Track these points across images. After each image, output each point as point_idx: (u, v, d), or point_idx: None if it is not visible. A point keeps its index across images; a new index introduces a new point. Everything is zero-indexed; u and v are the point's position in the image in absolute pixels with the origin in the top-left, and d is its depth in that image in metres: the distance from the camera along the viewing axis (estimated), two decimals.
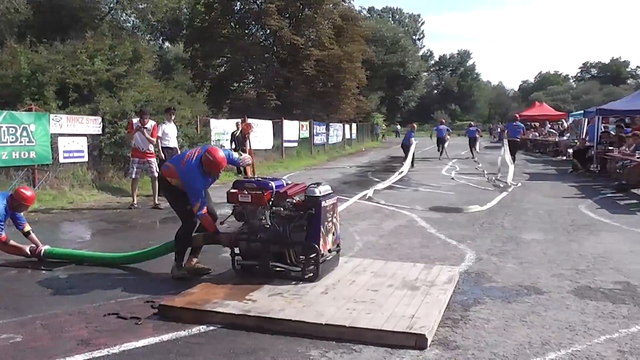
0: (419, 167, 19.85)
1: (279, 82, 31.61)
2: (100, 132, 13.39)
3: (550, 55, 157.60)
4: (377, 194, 12.28)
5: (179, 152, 12.26)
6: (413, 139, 19.87)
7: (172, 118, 11.98)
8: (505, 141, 20.81)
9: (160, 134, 11.21)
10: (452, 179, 15.91)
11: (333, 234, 5.56)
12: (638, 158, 12.38)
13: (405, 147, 19.79)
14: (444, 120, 30.01)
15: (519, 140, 21.55)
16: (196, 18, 32.55)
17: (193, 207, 5.46)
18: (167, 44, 42.21)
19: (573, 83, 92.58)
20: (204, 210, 5.48)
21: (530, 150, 29.79)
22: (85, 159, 12.84)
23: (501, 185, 13.96)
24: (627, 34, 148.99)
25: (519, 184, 14.09)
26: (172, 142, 11.73)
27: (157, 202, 10.68)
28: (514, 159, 18.80)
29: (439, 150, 25.38)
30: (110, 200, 11.77)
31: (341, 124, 35.20)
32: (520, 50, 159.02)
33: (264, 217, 5.42)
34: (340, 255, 5.91)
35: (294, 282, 5.16)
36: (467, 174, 17.16)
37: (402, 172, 16.29)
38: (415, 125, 22.85)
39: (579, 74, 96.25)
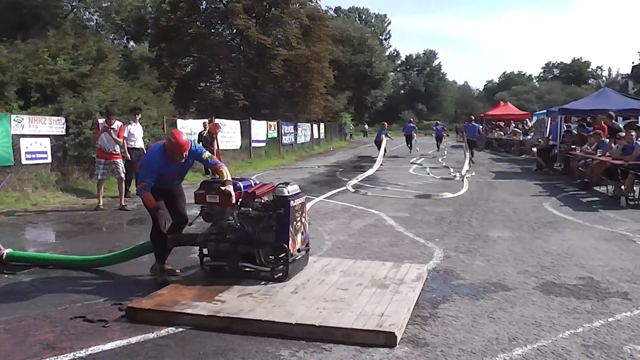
0: (388, 167, 19.97)
1: (247, 82, 31.44)
2: (64, 133, 13.14)
3: (514, 55, 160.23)
4: (345, 194, 12.30)
5: (145, 152, 12.17)
6: (384, 135, 22.06)
7: (138, 118, 11.84)
8: (465, 140, 22.61)
9: (126, 135, 11.06)
10: (428, 173, 16.21)
11: (302, 234, 5.56)
12: (599, 156, 12.61)
13: (378, 142, 21.97)
14: (412, 119, 32.92)
15: (475, 139, 23.69)
16: (162, 17, 32.14)
17: (138, 184, 5.40)
18: (132, 43, 41.67)
19: (536, 83, 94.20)
20: (148, 192, 5.31)
21: (495, 150, 30.27)
22: (49, 160, 12.58)
23: (461, 175, 15.74)
24: (587, 34, 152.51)
25: (474, 173, 16.39)
26: (139, 142, 11.59)
27: (123, 203, 10.55)
28: (472, 154, 21.36)
29: (408, 146, 28.39)
30: (75, 202, 11.54)
31: (309, 124, 35.26)
32: (485, 50, 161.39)
33: (232, 218, 5.40)
34: (310, 255, 5.92)
35: (263, 282, 5.14)
36: (435, 169, 17.43)
37: (381, 164, 18.95)
38: (385, 124, 24.75)
39: (542, 74, 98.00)
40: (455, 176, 15.96)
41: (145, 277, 5.74)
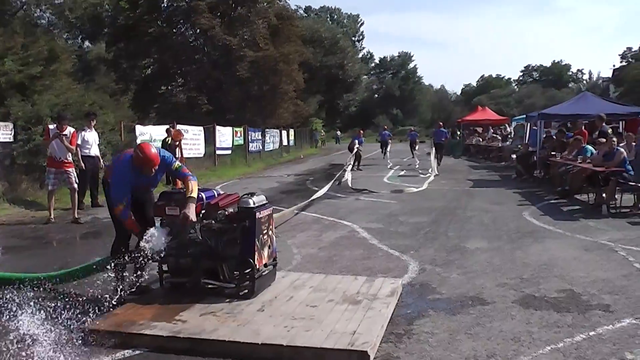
0: (360, 174, 20.07)
1: (211, 85, 31.33)
2: (11, 140, 12.89)
3: (492, 58, 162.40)
4: (316, 204, 12.32)
5: (101, 161, 12.06)
6: (357, 140, 22.64)
7: (93, 124, 11.74)
8: (433, 145, 24.57)
9: (79, 142, 10.95)
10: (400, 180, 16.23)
11: (269, 247, 5.54)
12: (580, 163, 12.76)
13: (351, 148, 22.50)
14: (386, 127, 35.17)
15: (443, 142, 25.55)
16: (120, 15, 31.85)
17: (115, 207, 5.34)
18: (87, 43, 41.09)
19: (515, 87, 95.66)
20: (129, 215, 5.31)
21: (473, 156, 30.64)
22: None
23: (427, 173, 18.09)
24: (568, 37, 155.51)
25: (437, 173, 18.94)
26: (93, 150, 11.48)
27: (76, 216, 10.39)
28: (440, 157, 23.89)
29: (382, 153, 29.53)
30: (24, 214, 11.32)
31: (278, 130, 35.29)
32: (462, 53, 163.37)
33: (194, 231, 5.35)
34: (278, 270, 5.90)
35: (227, 300, 5.10)
36: (410, 176, 17.54)
37: (359, 169, 20.74)
38: (362, 132, 25.91)
39: (521, 77, 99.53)
40: (422, 173, 18.37)
41: (100, 295, 5.59)
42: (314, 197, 12.45)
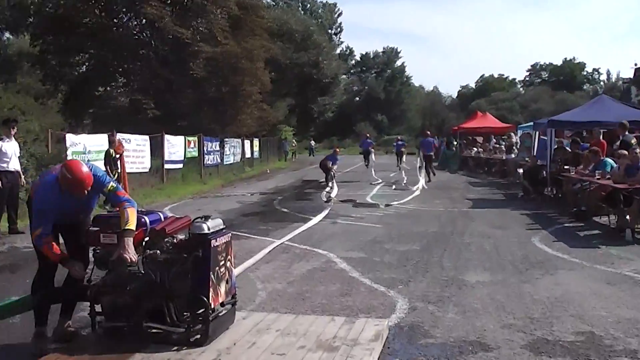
0: (339, 192, 19.95)
1: (159, 86, 31.03)
2: None
3: (493, 55, 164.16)
4: (283, 228, 12.23)
5: (22, 176, 11.85)
6: (331, 161, 22.42)
7: (13, 132, 11.55)
8: (420, 155, 26.50)
9: None
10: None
11: (227, 282, 5.46)
12: (598, 179, 12.70)
13: (324, 166, 22.39)
14: (369, 134, 36.85)
15: (432, 154, 26.71)
16: (48, 3, 31.57)
17: (33, 231, 5.23)
18: (7, 34, 40.75)
19: (521, 89, 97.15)
20: (47, 240, 5.17)
21: (472, 171, 30.80)
22: None
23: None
24: (582, 31, 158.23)
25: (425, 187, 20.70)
26: (13, 164, 11.29)
27: None
28: (431, 169, 25.09)
29: (365, 164, 31.05)
30: None
31: (240, 140, 35.22)
32: (458, 49, 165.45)
33: (135, 263, 5.23)
34: (237, 310, 5.84)
35: (175, 348, 5.00)
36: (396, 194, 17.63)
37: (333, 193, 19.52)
38: (338, 150, 25.27)
39: (527, 78, 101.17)
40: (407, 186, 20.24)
41: (17, 344, 5.49)
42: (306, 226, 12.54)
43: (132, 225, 5.14)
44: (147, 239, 5.34)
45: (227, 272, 5.48)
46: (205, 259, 5.15)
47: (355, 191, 21.04)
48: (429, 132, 29.62)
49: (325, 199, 17.58)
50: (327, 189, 19.98)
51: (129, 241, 5.08)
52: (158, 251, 5.28)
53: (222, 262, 5.39)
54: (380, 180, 25.14)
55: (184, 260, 5.21)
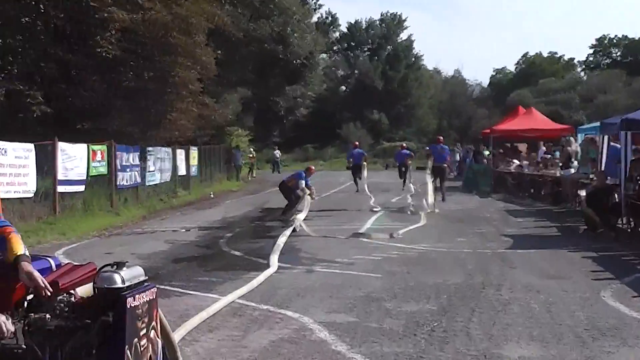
0: (322, 223, 17.16)
1: (51, 71, 25.61)
2: None
3: (541, 26, 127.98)
4: (236, 279, 10.07)
5: None
6: (302, 181, 18.28)
7: None
8: (431, 168, 23.08)
9: None
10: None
11: None
12: None
13: (286, 189, 18.70)
14: (357, 143, 32.87)
15: (445, 165, 24.06)
16: None
17: None
18: None
19: (582, 73, 79.48)
20: None
21: (511, 193, 26.34)
22: None
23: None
24: None
25: (437, 210, 19.16)
26: None
27: None
28: (442, 187, 22.80)
29: (355, 183, 27.84)
30: None
31: (170, 150, 29.36)
32: (488, 16, 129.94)
33: (9, 333, 3.98)
34: None
35: None
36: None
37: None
38: (313, 168, 20.98)
39: (590, 58, 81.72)
40: (411, 211, 18.87)
41: None
42: None
43: (24, 249, 4.18)
44: (30, 297, 4.26)
45: (150, 346, 4.39)
46: (119, 327, 4.10)
47: (341, 223, 17.74)
48: (441, 138, 25.54)
49: (292, 229, 14.94)
50: (297, 215, 16.37)
51: (29, 266, 4.04)
52: (47, 315, 4.12)
53: (144, 330, 4.32)
54: (378, 207, 21.53)
55: (87, 329, 4.10)
